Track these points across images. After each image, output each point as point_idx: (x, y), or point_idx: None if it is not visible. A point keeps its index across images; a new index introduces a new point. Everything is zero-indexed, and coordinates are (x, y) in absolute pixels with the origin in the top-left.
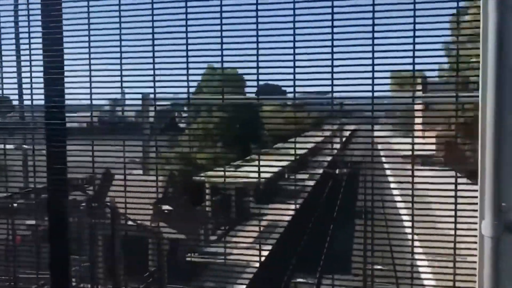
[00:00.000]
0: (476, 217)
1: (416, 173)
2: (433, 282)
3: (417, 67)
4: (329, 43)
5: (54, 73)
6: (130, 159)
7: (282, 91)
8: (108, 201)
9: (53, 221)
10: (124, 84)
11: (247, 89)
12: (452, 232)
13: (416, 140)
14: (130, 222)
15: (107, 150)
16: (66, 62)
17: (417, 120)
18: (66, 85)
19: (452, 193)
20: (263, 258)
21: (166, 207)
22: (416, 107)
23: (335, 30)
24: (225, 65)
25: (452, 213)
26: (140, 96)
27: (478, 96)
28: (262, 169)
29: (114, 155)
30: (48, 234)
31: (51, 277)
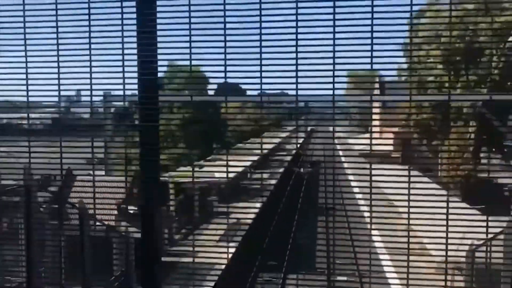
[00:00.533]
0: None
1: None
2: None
3: (376, 68)
4: (293, 46)
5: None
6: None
7: (242, 90)
8: (76, 202)
9: (146, 228)
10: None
11: (211, 89)
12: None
13: (375, 138)
14: (97, 223)
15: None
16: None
17: (375, 119)
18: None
19: (407, 188)
20: (227, 257)
21: (131, 207)
22: (374, 106)
23: (299, 32)
24: (193, 64)
25: (406, 203)
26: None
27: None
28: (225, 168)
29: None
30: (141, 238)
31: (141, 279)
